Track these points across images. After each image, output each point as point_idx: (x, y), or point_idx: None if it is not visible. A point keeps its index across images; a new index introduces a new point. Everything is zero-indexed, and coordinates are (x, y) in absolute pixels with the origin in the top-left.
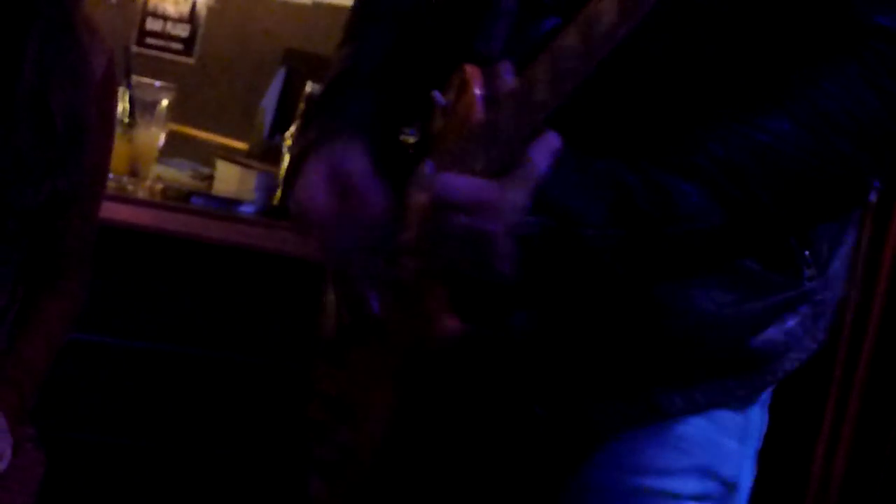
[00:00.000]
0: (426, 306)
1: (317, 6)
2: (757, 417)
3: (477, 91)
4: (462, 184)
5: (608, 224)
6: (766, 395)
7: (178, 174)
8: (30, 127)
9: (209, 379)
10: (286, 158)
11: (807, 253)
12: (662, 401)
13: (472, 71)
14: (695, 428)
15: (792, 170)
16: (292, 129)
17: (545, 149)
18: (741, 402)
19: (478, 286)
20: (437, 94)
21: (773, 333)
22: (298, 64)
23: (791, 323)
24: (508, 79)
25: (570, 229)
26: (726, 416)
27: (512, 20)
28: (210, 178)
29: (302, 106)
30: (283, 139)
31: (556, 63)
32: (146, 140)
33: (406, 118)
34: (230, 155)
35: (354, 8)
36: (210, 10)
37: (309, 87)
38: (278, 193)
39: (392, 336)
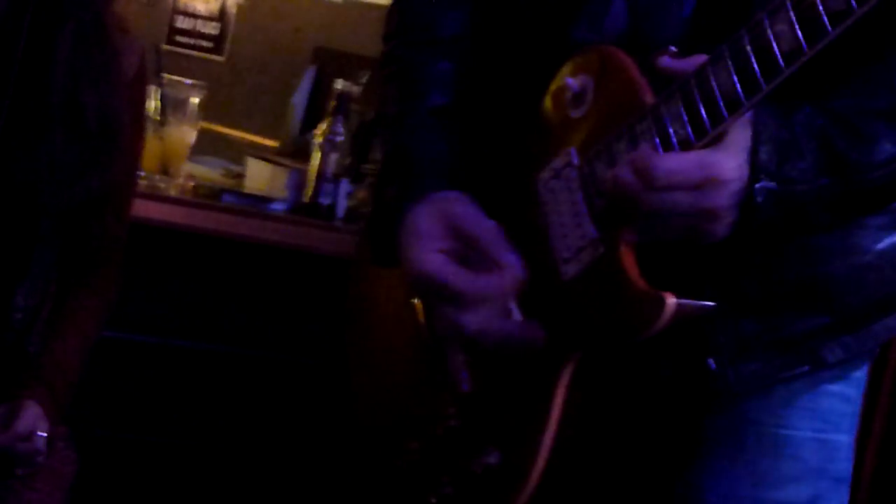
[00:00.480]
0: (625, 293)
1: (347, 4)
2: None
3: (637, 74)
4: (681, 163)
5: (819, 175)
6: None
7: (210, 172)
8: (63, 127)
9: (242, 377)
10: (317, 156)
11: None
12: (825, 352)
13: (618, 54)
14: (808, 429)
15: None
16: (322, 126)
17: (744, 116)
18: (865, 355)
19: (675, 250)
20: (569, 81)
21: None
22: (328, 62)
23: None
24: (691, 60)
25: (789, 187)
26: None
27: (631, 5)
28: (241, 175)
29: (333, 103)
30: (313, 136)
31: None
32: (177, 138)
33: (485, 136)
34: (261, 153)
35: (394, 32)
36: (240, 8)
37: (339, 84)
38: (309, 191)
39: (552, 342)
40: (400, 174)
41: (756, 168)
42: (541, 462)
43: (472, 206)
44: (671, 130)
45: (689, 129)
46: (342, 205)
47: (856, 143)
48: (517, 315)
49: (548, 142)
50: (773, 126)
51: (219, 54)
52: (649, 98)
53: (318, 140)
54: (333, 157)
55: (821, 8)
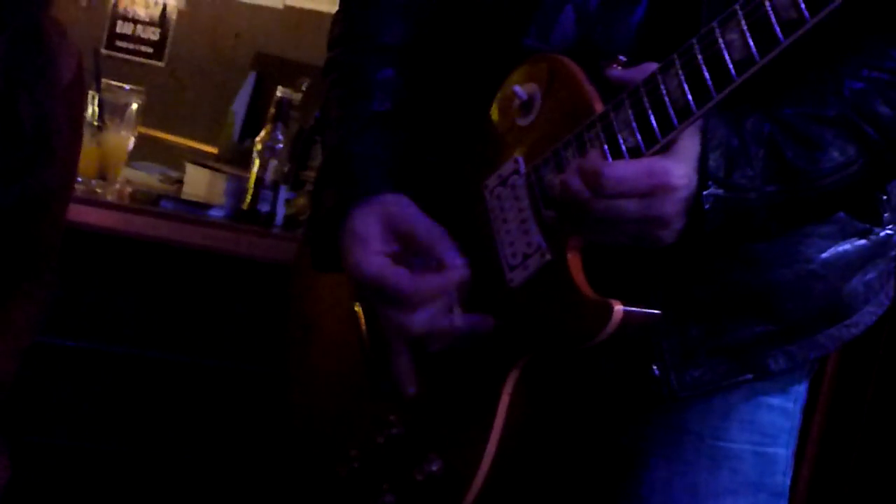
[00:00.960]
0: (572, 300)
1: (287, 10)
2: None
3: (586, 82)
4: (629, 171)
5: (766, 182)
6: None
7: (148, 178)
8: None
9: (178, 383)
10: (256, 162)
11: (884, 197)
12: (768, 360)
13: (567, 63)
14: (745, 444)
15: None
16: (262, 133)
17: (694, 123)
18: (805, 370)
19: (621, 256)
20: (517, 88)
21: (856, 284)
22: (269, 68)
23: (871, 275)
24: (640, 68)
25: (737, 194)
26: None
27: (580, 14)
28: (179, 181)
29: (272, 110)
30: (253, 143)
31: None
32: (115, 143)
33: (430, 143)
34: (200, 159)
35: (339, 38)
36: (180, 13)
37: (279, 91)
38: (248, 197)
39: (490, 350)
40: (340, 178)
41: (704, 175)
42: (484, 470)
43: (413, 207)
44: (620, 138)
45: (639, 136)
46: (281, 212)
47: (804, 151)
48: (459, 319)
49: (494, 149)
50: (722, 133)
51: (159, 59)
52: (598, 106)
53: (258, 147)
54: (273, 163)
55: (773, 17)
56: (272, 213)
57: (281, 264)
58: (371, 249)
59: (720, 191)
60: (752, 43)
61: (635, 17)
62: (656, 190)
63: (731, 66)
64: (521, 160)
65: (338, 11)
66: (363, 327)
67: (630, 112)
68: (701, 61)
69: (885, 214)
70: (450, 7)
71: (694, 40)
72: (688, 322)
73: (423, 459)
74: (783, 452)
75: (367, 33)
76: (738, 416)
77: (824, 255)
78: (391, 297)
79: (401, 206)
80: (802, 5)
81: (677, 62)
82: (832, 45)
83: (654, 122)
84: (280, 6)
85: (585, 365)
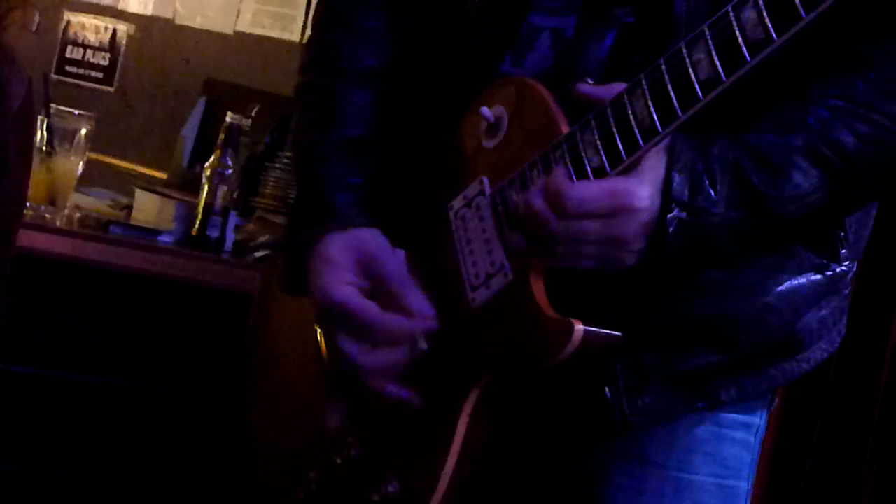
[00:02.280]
0: (533, 320)
1: (238, 36)
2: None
3: (553, 104)
4: (592, 191)
5: (730, 208)
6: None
7: (97, 203)
8: None
9: (127, 409)
10: (205, 188)
11: (841, 234)
12: (720, 390)
13: (534, 85)
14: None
15: (890, 143)
16: (212, 158)
17: (660, 145)
18: (765, 401)
19: (581, 279)
20: (484, 110)
21: (809, 319)
22: (219, 94)
23: (824, 312)
24: (609, 87)
25: (699, 218)
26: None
27: (557, 40)
28: (129, 207)
29: (222, 136)
30: (202, 169)
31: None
32: (65, 169)
33: (404, 168)
34: (149, 184)
35: (312, 62)
36: (130, 38)
37: (229, 117)
38: (197, 223)
39: (450, 371)
40: (315, 203)
41: (668, 198)
42: (441, 491)
43: (386, 248)
44: (585, 158)
45: (604, 156)
46: (230, 238)
47: (769, 178)
48: (423, 345)
49: (460, 171)
50: (688, 156)
51: (108, 85)
52: (565, 127)
53: (207, 172)
54: (222, 189)
55: (740, 37)
56: (221, 239)
57: (230, 290)
58: (341, 277)
59: (683, 214)
60: (718, 62)
61: (606, 42)
62: (618, 211)
63: (697, 85)
64: (486, 181)
65: (311, 36)
66: (324, 349)
67: (596, 132)
68: (667, 81)
69: (843, 251)
70: (425, 32)
71: (661, 61)
72: (642, 347)
73: (380, 480)
74: (744, 486)
75: (342, 57)
76: (702, 449)
77: (780, 288)
78: (353, 327)
79: (375, 245)
80: (770, 25)
81: (644, 82)
82: (799, 73)
83: (619, 141)
84: (230, 32)
85: (542, 387)
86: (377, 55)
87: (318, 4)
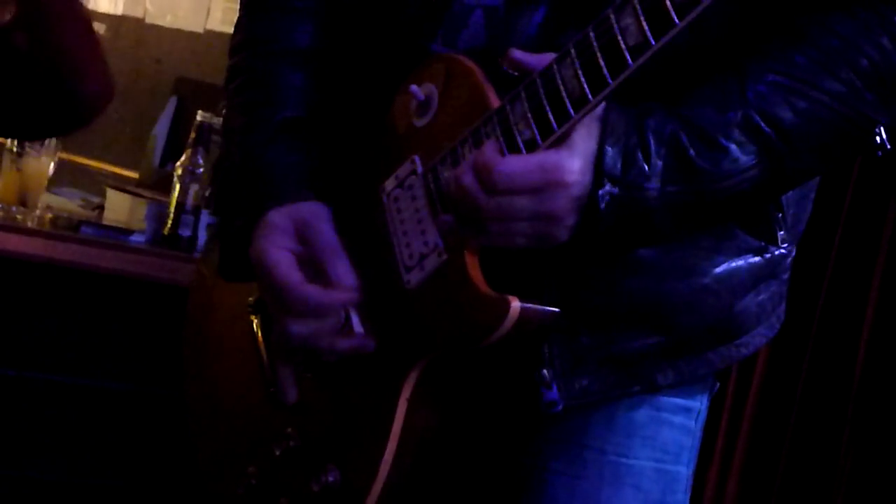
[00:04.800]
0: (469, 298)
1: (208, 34)
2: (701, 425)
3: (483, 79)
4: (521, 166)
5: (666, 182)
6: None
7: (68, 203)
8: None
9: (100, 409)
10: (177, 187)
11: (780, 215)
12: (656, 374)
13: (463, 61)
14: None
15: (828, 120)
16: (183, 157)
17: (593, 117)
18: (705, 386)
19: (516, 260)
20: (414, 89)
21: (748, 303)
22: (190, 92)
23: (763, 296)
24: (540, 56)
25: (633, 193)
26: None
27: (490, 17)
28: (100, 207)
29: (193, 134)
30: (174, 168)
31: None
32: (35, 169)
33: (338, 149)
34: (120, 184)
35: (241, 44)
36: (101, 37)
37: (200, 115)
38: (168, 223)
39: (387, 355)
40: (253, 184)
41: (600, 172)
42: (381, 478)
43: (324, 220)
44: (516, 131)
45: (536, 128)
46: (202, 237)
47: (707, 151)
48: (357, 325)
49: (392, 152)
50: (622, 129)
51: None
52: (495, 101)
53: (179, 171)
54: (194, 188)
55: (667, 1)
56: (193, 238)
57: None
58: (278, 242)
59: (615, 189)
60: (647, 27)
61: (536, 18)
62: (548, 185)
63: (626, 51)
64: (418, 160)
65: (240, 17)
66: (259, 336)
67: (526, 104)
68: (596, 48)
69: (781, 233)
70: (355, 12)
71: (590, 28)
72: (578, 329)
73: (320, 470)
74: (684, 471)
75: (272, 37)
76: (641, 433)
77: (718, 269)
78: (281, 298)
79: (311, 212)
80: None
81: (573, 51)
82: (737, 47)
83: (549, 112)
84: (201, 31)
85: (480, 372)
86: (308, 35)
87: None
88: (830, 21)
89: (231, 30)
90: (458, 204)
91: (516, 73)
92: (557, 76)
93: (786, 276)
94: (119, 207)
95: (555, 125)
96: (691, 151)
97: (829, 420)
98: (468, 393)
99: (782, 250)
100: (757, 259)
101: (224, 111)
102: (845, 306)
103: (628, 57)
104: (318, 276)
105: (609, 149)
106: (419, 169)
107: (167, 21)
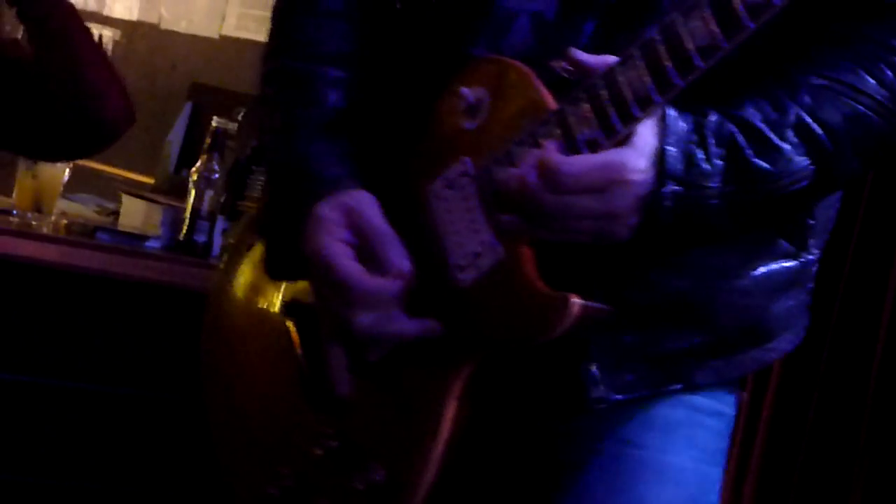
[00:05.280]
0: (527, 296)
1: (223, 40)
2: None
3: (538, 82)
4: (586, 166)
5: (726, 182)
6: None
7: (83, 209)
8: None
9: (116, 416)
10: (192, 193)
11: (811, 222)
12: (696, 372)
13: (517, 65)
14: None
15: (870, 123)
16: (198, 163)
17: (653, 118)
18: (734, 389)
19: (563, 257)
20: (464, 91)
21: (780, 307)
22: (205, 98)
23: (792, 302)
24: (600, 58)
25: (695, 192)
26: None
27: (536, 24)
28: (115, 213)
29: (208, 140)
30: (189, 174)
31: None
32: (51, 175)
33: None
34: (136, 190)
35: (277, 50)
36: (116, 43)
37: (215, 121)
38: (184, 228)
39: (437, 352)
40: (300, 181)
41: (663, 172)
42: (429, 477)
43: (373, 204)
44: (577, 132)
45: (598, 129)
46: (218, 242)
47: (763, 152)
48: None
49: (439, 153)
50: (682, 130)
51: None
52: (552, 104)
53: (194, 177)
54: (209, 194)
55: (739, 4)
56: (209, 244)
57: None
58: (333, 234)
59: (679, 188)
60: (717, 29)
61: (588, 26)
62: (613, 184)
63: (695, 53)
64: (469, 161)
65: (273, 23)
66: (296, 339)
67: (588, 105)
68: (663, 50)
69: (810, 240)
70: (393, 16)
71: (654, 32)
72: (622, 327)
73: (364, 469)
74: (717, 473)
75: (308, 41)
76: (681, 432)
77: (755, 272)
78: (338, 288)
79: (361, 203)
80: None
81: (637, 53)
82: (779, 53)
83: (613, 113)
84: (216, 36)
85: (525, 368)
86: (344, 38)
87: None
88: (867, 27)
89: (246, 35)
90: (521, 203)
91: (571, 75)
92: (621, 78)
93: (810, 286)
94: (134, 213)
95: (619, 126)
96: (748, 152)
97: (847, 422)
98: (510, 388)
99: (812, 256)
100: (791, 264)
101: (262, 114)
102: (862, 310)
103: (698, 59)
104: (372, 262)
105: (671, 149)
106: (471, 170)
107: (182, 27)
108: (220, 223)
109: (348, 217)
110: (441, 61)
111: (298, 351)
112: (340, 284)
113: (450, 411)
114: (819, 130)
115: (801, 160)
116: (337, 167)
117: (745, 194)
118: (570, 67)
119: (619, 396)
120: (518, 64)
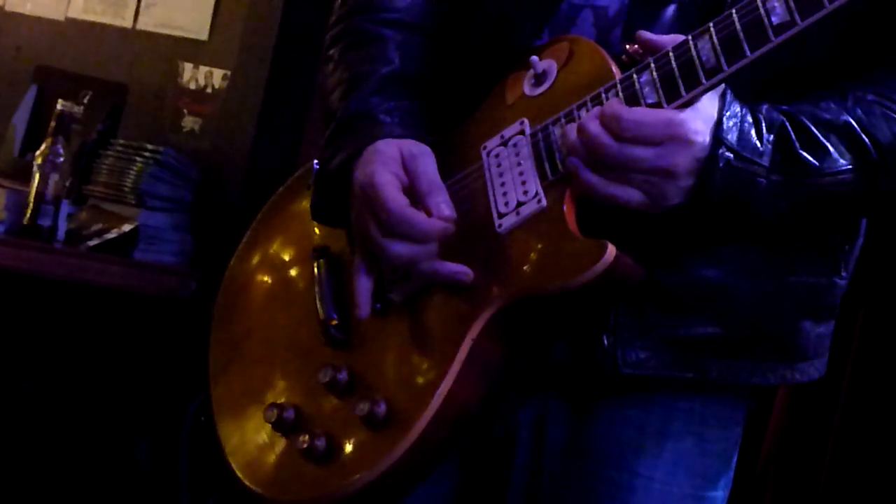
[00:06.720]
0: (564, 241)
1: (69, 23)
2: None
3: (605, 54)
4: (649, 117)
5: (772, 169)
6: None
7: None
8: None
9: None
10: (37, 177)
11: (847, 247)
12: (711, 364)
13: (588, 41)
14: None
15: None
16: (43, 146)
17: (715, 92)
18: (746, 398)
19: (602, 230)
20: (534, 59)
21: (810, 329)
22: (50, 81)
23: (821, 329)
24: (667, 39)
25: (746, 165)
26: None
27: (599, 18)
28: None
29: (53, 124)
30: (34, 157)
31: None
32: None
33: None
34: None
35: (350, 10)
36: None
37: (60, 104)
38: (28, 213)
39: (462, 296)
40: (359, 127)
41: (719, 138)
42: (428, 414)
43: (429, 153)
44: (642, 95)
45: (662, 93)
46: (63, 227)
47: (811, 147)
48: (465, 278)
49: (499, 116)
50: (738, 109)
51: None
52: (618, 73)
53: (38, 161)
54: (54, 178)
55: None
56: (54, 228)
57: (63, 280)
58: (388, 165)
59: (731, 155)
60: (794, 7)
61: (662, 20)
62: (672, 139)
63: (769, 28)
64: (526, 122)
65: None
66: (322, 277)
67: (655, 73)
68: (738, 25)
69: (842, 265)
70: (460, 6)
71: (731, 10)
72: (646, 306)
73: (367, 400)
74: (721, 495)
75: (378, 7)
76: (685, 463)
77: (788, 279)
78: (381, 216)
79: (419, 149)
80: None
81: (712, 27)
82: (836, 72)
83: (679, 79)
84: (62, 18)
85: (544, 328)
86: (413, 8)
87: None
88: None
89: (93, 17)
90: (581, 149)
91: (638, 57)
92: (693, 48)
93: (833, 322)
94: None
95: (683, 90)
96: (796, 143)
97: (869, 436)
98: (525, 346)
99: (841, 281)
100: (823, 281)
101: (324, 74)
102: (883, 331)
103: (771, 34)
104: (418, 206)
105: (728, 120)
106: (527, 130)
107: (27, 9)
108: (65, 207)
109: (404, 157)
110: (503, 54)
111: (323, 285)
112: (385, 210)
113: (463, 352)
114: (865, 139)
115: (845, 162)
116: (397, 115)
117: (788, 185)
118: (640, 49)
119: (629, 370)
120: (590, 41)
